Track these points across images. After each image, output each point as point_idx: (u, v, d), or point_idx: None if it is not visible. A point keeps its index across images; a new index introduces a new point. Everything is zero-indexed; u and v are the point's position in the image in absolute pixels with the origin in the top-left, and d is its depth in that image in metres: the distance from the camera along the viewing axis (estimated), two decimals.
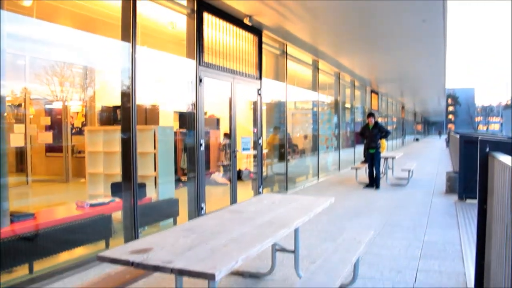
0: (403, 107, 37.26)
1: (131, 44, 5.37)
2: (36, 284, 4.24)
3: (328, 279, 3.22)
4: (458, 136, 12.26)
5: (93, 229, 5.30)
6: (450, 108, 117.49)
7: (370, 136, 10.69)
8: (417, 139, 51.37)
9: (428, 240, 5.79)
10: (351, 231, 4.59)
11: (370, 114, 11.06)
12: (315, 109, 13.21)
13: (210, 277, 2.29)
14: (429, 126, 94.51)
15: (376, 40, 10.07)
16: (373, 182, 10.74)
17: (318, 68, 12.82)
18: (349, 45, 10.88)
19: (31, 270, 4.48)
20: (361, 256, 4.59)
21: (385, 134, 10.91)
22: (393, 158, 11.97)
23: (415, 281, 4.30)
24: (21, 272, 4.41)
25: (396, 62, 13.65)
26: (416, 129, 58.72)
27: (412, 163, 12.68)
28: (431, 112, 58.41)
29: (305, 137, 13.25)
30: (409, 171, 11.43)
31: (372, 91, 21.82)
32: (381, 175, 11.45)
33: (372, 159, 10.69)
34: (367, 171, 11.05)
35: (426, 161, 19.56)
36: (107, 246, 5.38)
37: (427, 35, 9.44)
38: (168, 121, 9.17)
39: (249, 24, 7.83)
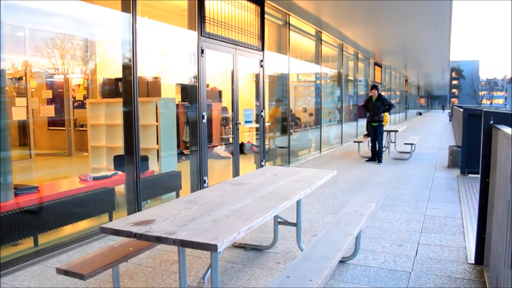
0: (406, 81, 36.98)
1: (131, 15, 5.29)
2: (41, 256, 4.29)
3: (330, 252, 3.24)
4: (461, 110, 12.17)
5: (96, 202, 5.33)
6: (454, 82, 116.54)
7: (373, 109, 10.48)
8: (420, 113, 51.15)
9: (429, 214, 5.81)
10: (353, 204, 4.60)
11: (374, 87, 10.79)
12: (318, 82, 13.11)
13: (212, 248, 2.29)
14: (433, 100, 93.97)
15: (381, 10, 9.88)
16: (376, 155, 10.69)
17: (321, 40, 12.66)
18: (353, 16, 10.70)
19: (35, 242, 4.53)
20: (362, 229, 4.62)
21: (388, 107, 10.65)
22: (395, 131, 11.92)
23: (416, 254, 4.33)
24: (26, 244, 4.47)
25: (400, 33, 13.45)
26: (419, 103, 58.43)
27: (414, 137, 12.65)
28: (435, 86, 57.97)
29: (308, 110, 13.19)
30: (411, 145, 11.40)
31: (375, 64, 21.63)
32: (384, 149, 11.44)
33: (375, 132, 10.52)
34: (370, 144, 11.02)
35: (429, 135, 19.52)
36: (110, 219, 5.43)
37: (433, 5, 9.26)
38: (170, 93, 9.12)
39: None
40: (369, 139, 11.11)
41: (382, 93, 12.51)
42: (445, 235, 4.93)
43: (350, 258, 4.15)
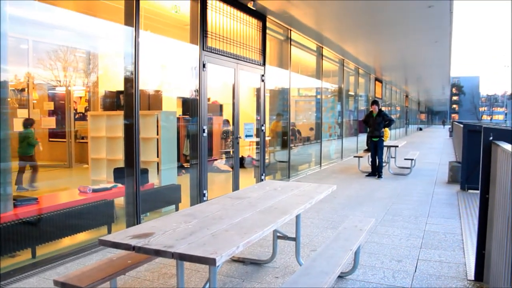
0: (407, 96, 37.11)
1: (134, 28, 5.34)
2: (39, 268, 4.28)
3: (328, 267, 3.23)
4: (461, 125, 12.20)
5: (95, 215, 5.33)
6: (454, 98, 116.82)
7: (374, 124, 10.50)
8: (420, 129, 51.24)
9: (429, 230, 5.80)
10: (352, 219, 4.59)
11: (374, 102, 10.86)
12: (319, 96, 13.16)
13: (211, 262, 2.29)
14: (433, 115, 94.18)
15: (381, 26, 9.98)
16: (376, 171, 10.70)
17: (322, 55, 12.74)
18: (354, 31, 10.79)
19: (33, 254, 4.51)
20: (361, 244, 4.60)
21: (388, 122, 10.67)
22: (396, 147, 11.93)
23: (415, 270, 4.31)
24: (24, 256, 4.45)
25: (401, 49, 13.54)
26: (420, 118, 58.55)
27: (415, 153, 12.67)
28: (435, 102, 58.13)
29: (308, 125, 13.22)
30: (411, 160, 11.41)
31: (376, 79, 21.72)
32: (384, 164, 11.43)
33: (376, 147, 10.54)
34: (370, 159, 11.05)
35: (429, 151, 19.52)
36: (109, 231, 5.41)
37: (433, 21, 9.33)
38: (171, 106, 9.15)
39: (253, 8, 7.77)
40: (369, 154, 11.13)
41: (383, 109, 12.68)
42: (444, 251, 4.91)
43: (349, 274, 4.13)
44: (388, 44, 12.66)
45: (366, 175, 10.88)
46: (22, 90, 9.15)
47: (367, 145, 11.26)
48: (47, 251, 4.66)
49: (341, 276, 4.07)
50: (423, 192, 8.67)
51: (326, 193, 4.31)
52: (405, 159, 11.54)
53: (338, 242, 3.81)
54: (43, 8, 6.32)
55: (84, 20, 7.20)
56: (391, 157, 12.01)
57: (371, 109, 10.82)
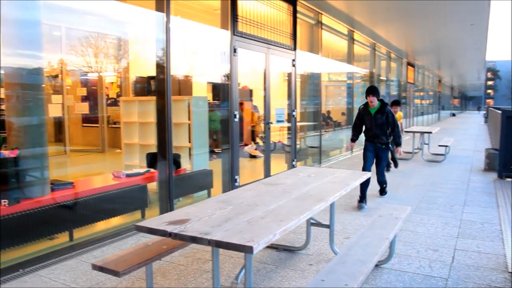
0: (440, 81, 36.18)
1: (165, 14, 5.32)
2: (76, 251, 4.36)
3: (365, 256, 3.17)
4: (499, 111, 11.79)
5: (129, 199, 5.40)
6: (490, 83, 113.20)
7: (373, 125, 6.31)
8: (453, 114, 49.96)
9: (465, 219, 5.63)
10: (388, 207, 4.49)
11: (371, 90, 6.28)
12: (350, 81, 12.95)
13: (248, 250, 2.27)
14: (467, 101, 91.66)
15: (414, 8, 9.64)
16: (364, 197, 6.28)
17: (353, 39, 12.49)
18: (386, 14, 10.49)
19: (71, 237, 4.61)
20: (397, 233, 4.51)
21: (392, 129, 6.42)
22: (429, 133, 11.64)
23: (452, 260, 4.19)
24: (62, 239, 4.55)
25: (435, 32, 13.12)
26: (453, 103, 57.07)
27: (449, 139, 12.33)
28: (469, 87, 56.53)
29: (339, 110, 13.05)
30: (446, 147, 11.12)
31: (408, 64, 21.21)
32: (416, 151, 11.17)
33: (378, 157, 6.47)
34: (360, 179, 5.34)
35: (463, 137, 19.01)
36: (143, 216, 5.48)
37: (470, 3, 8.97)
38: (201, 92, 9.16)
39: None
40: (366, 161, 6.44)
41: (392, 105, 9.41)
42: (483, 241, 4.76)
43: (384, 262, 4.05)
44: (421, 27, 12.28)
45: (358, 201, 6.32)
46: (56, 76, 9.33)
47: (364, 156, 6.48)
48: (84, 234, 4.75)
49: (376, 265, 4.00)
50: (458, 179, 8.44)
51: (361, 180, 4.24)
52: (439, 145, 11.25)
53: (373, 230, 3.74)
54: None
55: (115, 6, 7.23)
56: (425, 144, 11.73)
57: (366, 101, 6.40)
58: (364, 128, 6.54)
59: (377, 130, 6.31)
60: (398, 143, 6.49)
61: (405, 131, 11.92)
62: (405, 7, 9.55)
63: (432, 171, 9.55)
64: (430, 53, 19.25)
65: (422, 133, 11.56)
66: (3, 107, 7.53)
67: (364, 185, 6.14)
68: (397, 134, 6.45)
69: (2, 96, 4.79)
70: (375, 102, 6.26)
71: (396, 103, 9.45)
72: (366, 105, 6.41)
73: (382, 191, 6.96)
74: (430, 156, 11.64)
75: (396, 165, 9.62)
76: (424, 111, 28.78)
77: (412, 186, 7.80)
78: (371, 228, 3.81)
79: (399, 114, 9.23)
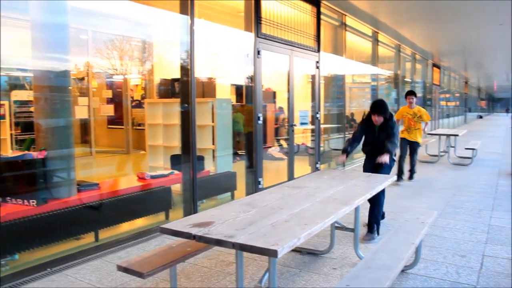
0: (466, 82, 35.47)
1: (189, 16, 5.35)
2: (101, 251, 4.42)
3: (391, 261, 3.11)
4: None
5: (153, 201, 5.44)
6: None
7: (376, 143, 5.09)
8: (480, 116, 48.87)
9: (494, 224, 5.49)
10: (413, 211, 4.41)
11: (377, 108, 5.01)
12: (374, 83, 12.81)
13: (272, 253, 2.25)
14: (494, 102, 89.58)
15: (440, 8, 9.44)
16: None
17: (377, 41, 12.35)
18: (411, 15, 10.32)
19: (96, 238, 4.67)
20: (423, 237, 4.43)
21: (389, 141, 4.96)
22: (456, 136, 11.40)
23: (481, 267, 4.08)
24: (87, 239, 4.62)
25: (461, 33, 12.85)
26: (480, 105, 55.87)
27: (476, 142, 12.06)
28: (497, 88, 55.22)
29: (364, 112, 12.91)
30: (473, 150, 10.88)
31: (434, 65, 20.86)
32: (442, 154, 10.94)
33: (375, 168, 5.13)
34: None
35: (491, 140, 18.56)
36: (166, 217, 5.52)
37: (498, 3, 8.75)
38: (225, 94, 9.19)
39: None
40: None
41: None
42: None
43: (410, 267, 3.98)
44: (447, 28, 12.05)
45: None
46: (82, 79, 9.51)
47: (346, 151, 5.11)
48: (109, 235, 4.81)
49: (402, 270, 3.92)
50: (486, 183, 8.24)
51: (386, 184, 4.17)
52: (466, 148, 11.01)
53: (399, 235, 3.67)
54: None
55: (140, 9, 7.32)
56: (451, 147, 11.50)
57: (372, 117, 5.07)
58: (363, 141, 5.37)
59: (379, 146, 4.99)
60: (387, 150, 4.83)
61: (430, 134, 11.72)
62: (431, 8, 9.38)
63: (458, 174, 9.35)
64: (457, 54, 18.88)
65: (448, 135, 11.34)
66: (31, 109, 7.70)
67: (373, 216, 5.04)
68: (392, 141, 4.95)
69: (31, 98, 4.90)
70: (380, 121, 5.01)
71: (411, 93, 8.13)
72: (367, 117, 5.17)
73: (372, 231, 4.98)
74: (457, 159, 11.41)
75: (411, 177, 8.46)
76: (450, 113, 28.28)
77: (437, 189, 7.65)
78: (396, 232, 3.74)
79: (424, 112, 8.07)
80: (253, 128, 6.57)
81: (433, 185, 8.09)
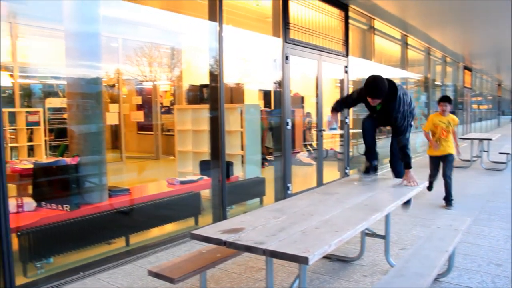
0: (499, 85, 34.54)
1: (218, 23, 5.40)
2: (132, 256, 4.48)
3: (423, 269, 3.05)
4: None
5: (183, 206, 5.49)
6: None
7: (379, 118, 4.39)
8: None
9: None
10: (446, 218, 4.31)
11: (368, 90, 3.88)
12: (404, 87, 12.61)
13: (303, 260, 2.23)
14: None
15: (472, 10, 9.20)
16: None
17: (407, 44, 12.17)
18: (441, 17, 10.10)
19: (127, 242, 4.75)
20: (456, 245, 4.32)
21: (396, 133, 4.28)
22: (489, 140, 11.10)
23: None
24: (118, 244, 4.70)
25: (494, 34, 12.51)
26: None
27: (510, 146, 11.70)
28: None
29: None
30: (507, 154, 10.56)
31: (465, 68, 20.41)
32: (475, 159, 10.64)
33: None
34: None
35: None
36: (196, 223, 5.56)
37: None
38: (253, 99, 9.21)
39: None
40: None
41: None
42: None
43: (443, 276, 3.88)
44: (479, 29, 11.75)
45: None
46: (113, 85, 9.71)
47: (336, 110, 4.62)
48: (139, 240, 4.88)
49: (434, 278, 3.83)
50: None
51: (417, 190, 4.09)
52: (500, 153, 10.70)
53: (432, 242, 3.60)
54: (132, 7, 6.58)
55: (169, 17, 7.43)
56: (484, 151, 11.20)
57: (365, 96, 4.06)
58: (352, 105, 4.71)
59: (384, 120, 4.37)
60: (406, 165, 4.25)
61: (462, 138, 11.44)
62: (462, 9, 9.17)
63: (492, 180, 9.09)
64: (489, 56, 18.41)
65: (481, 140, 11.05)
66: (65, 115, 7.91)
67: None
68: (403, 145, 4.21)
69: (65, 105, 5.03)
70: (377, 103, 3.98)
71: (446, 99, 6.76)
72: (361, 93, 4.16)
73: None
74: (490, 164, 11.10)
75: (430, 188, 7.20)
76: (483, 117, 27.57)
77: (470, 195, 7.45)
78: (429, 239, 3.67)
79: (452, 117, 6.79)
80: (282, 133, 6.57)
81: (466, 190, 7.89)
